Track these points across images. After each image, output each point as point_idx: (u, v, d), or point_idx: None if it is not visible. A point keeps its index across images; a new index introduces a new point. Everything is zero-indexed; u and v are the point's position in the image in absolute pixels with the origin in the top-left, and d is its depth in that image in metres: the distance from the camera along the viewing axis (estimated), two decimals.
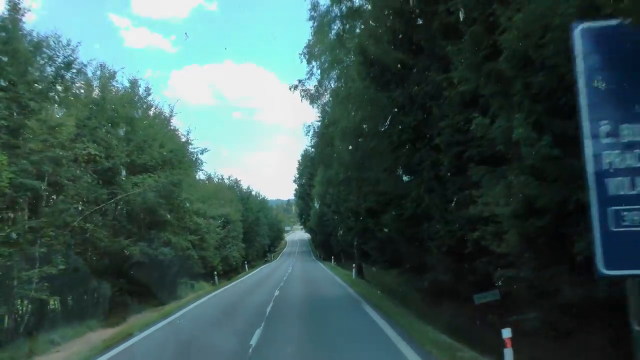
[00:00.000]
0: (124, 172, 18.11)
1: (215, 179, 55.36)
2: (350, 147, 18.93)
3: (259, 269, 49.02)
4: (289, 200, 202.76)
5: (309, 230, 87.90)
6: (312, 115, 39.87)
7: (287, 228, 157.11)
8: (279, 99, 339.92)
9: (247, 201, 58.55)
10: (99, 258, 17.49)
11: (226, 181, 57.71)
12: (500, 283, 8.74)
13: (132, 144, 19.70)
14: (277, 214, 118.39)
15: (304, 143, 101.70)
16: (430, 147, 13.14)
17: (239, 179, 59.94)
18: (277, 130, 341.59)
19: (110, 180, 17.81)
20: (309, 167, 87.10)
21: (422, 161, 13.84)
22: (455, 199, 11.28)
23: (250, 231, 57.24)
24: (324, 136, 26.62)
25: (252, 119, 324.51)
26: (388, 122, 15.27)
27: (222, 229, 41.96)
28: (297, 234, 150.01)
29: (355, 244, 31.91)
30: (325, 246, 60.32)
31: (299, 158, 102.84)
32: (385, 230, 21.37)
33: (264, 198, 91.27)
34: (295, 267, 46.92)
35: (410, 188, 14.88)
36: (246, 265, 43.21)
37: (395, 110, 14.89)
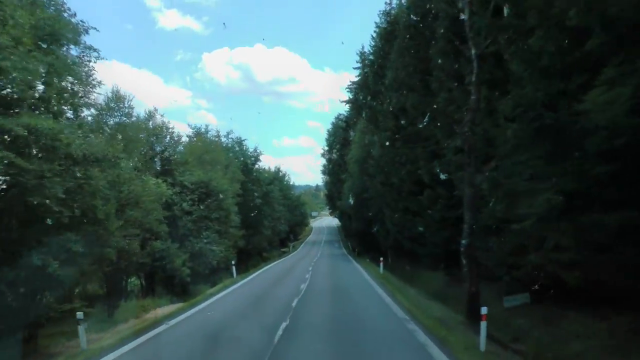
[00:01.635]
0: None
1: (209, 135, 38.21)
2: None
3: (261, 269, 31.73)
4: (317, 186, 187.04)
5: (339, 214, 69.98)
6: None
7: (313, 214, 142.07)
8: (310, 84, 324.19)
9: (251, 170, 41.06)
10: None
11: (223, 139, 40.34)
12: None
13: None
14: (301, 195, 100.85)
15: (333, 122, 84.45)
16: None
17: (243, 139, 42.48)
18: (307, 115, 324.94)
19: None
20: (341, 133, 69.16)
21: None
22: None
23: (255, 212, 39.89)
24: None
25: (282, 103, 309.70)
26: None
27: (196, 204, 24.57)
28: (324, 220, 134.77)
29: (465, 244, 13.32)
30: (364, 237, 42.39)
31: (329, 127, 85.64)
32: None
33: (286, 176, 74.45)
34: (318, 269, 29.55)
35: None
36: (234, 269, 25.58)
37: None
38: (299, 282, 20.80)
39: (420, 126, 23.13)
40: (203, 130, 37.85)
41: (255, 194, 39.67)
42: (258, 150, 41.76)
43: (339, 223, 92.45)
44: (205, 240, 24.67)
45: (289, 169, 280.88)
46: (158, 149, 25.63)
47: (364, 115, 41.65)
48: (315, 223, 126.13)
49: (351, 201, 41.64)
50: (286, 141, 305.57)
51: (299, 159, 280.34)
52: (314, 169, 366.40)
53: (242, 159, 41.11)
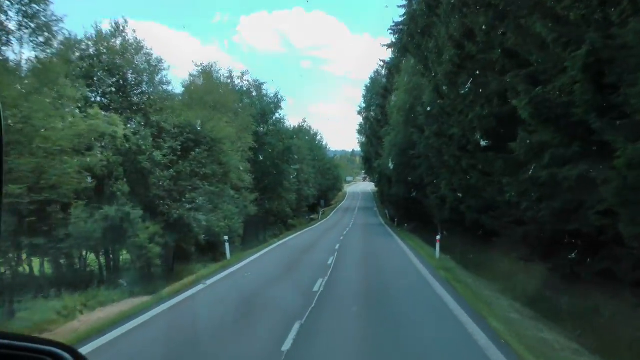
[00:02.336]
0: None
1: (220, 77, 30.85)
2: None
3: (272, 245, 24.50)
4: (353, 151, 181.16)
5: (376, 178, 62.00)
6: None
7: (348, 178, 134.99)
8: (348, 50, 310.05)
9: (268, 120, 33.40)
10: None
11: (237, 81, 32.74)
12: None
13: None
14: (335, 158, 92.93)
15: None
16: None
17: (262, 82, 34.51)
18: (344, 81, 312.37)
19: None
20: (381, 85, 60.32)
21: None
22: None
23: (273, 172, 32.56)
24: None
25: (320, 69, 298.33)
26: None
27: (179, 154, 17.35)
28: (359, 185, 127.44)
29: None
30: (406, 205, 34.53)
31: (367, 82, 77.02)
32: None
33: (318, 135, 66.93)
34: (347, 247, 22.18)
35: None
36: (227, 248, 18.03)
37: None
38: (315, 275, 13.35)
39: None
40: (211, 68, 30.26)
41: (270, 150, 32.08)
42: (279, 96, 33.94)
43: (375, 189, 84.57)
44: (188, 206, 17.47)
45: (326, 134, 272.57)
46: (127, 78, 18.23)
47: (410, 57, 33.07)
48: (349, 188, 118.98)
49: (391, 165, 33.75)
50: (322, 107, 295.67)
51: (335, 124, 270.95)
52: (350, 136, 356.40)
53: (259, 106, 33.53)
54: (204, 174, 19.17)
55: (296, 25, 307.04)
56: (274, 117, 33.53)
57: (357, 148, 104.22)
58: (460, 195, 21.12)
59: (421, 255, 18.49)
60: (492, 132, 17.09)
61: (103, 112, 15.10)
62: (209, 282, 13.17)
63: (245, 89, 33.33)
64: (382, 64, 54.79)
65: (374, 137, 54.20)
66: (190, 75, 29.70)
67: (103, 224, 14.22)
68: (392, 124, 31.66)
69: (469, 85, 19.04)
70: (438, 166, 23.37)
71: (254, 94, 33.94)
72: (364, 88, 78.20)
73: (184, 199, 17.77)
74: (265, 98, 33.95)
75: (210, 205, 18.84)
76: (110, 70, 17.52)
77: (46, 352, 1.24)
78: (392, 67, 44.73)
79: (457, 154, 20.21)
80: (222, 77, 31.55)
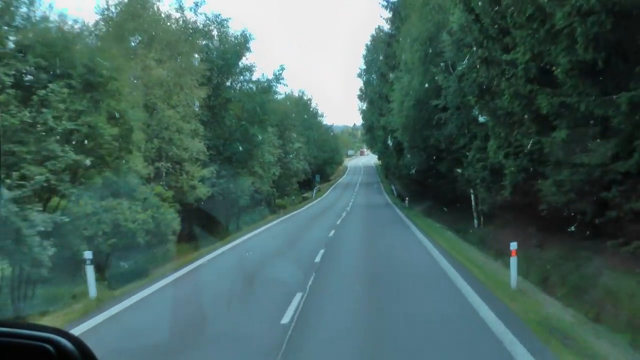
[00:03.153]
0: None
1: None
2: None
3: (222, 249, 15.82)
4: (354, 125, 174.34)
5: (380, 148, 52.93)
6: None
7: (349, 152, 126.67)
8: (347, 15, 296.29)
9: (231, 67, 24.11)
10: None
11: (191, 16, 23.63)
12: None
13: None
14: (335, 131, 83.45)
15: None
16: None
17: (226, 18, 25.01)
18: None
19: None
20: (386, 34, 50.58)
21: None
22: None
23: (239, 138, 23.69)
24: None
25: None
26: None
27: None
28: (361, 159, 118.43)
29: None
30: (422, 180, 25.64)
31: (368, 40, 67.53)
32: None
33: (311, 102, 58.13)
34: (341, 246, 13.79)
35: None
36: (90, 277, 9.03)
37: None
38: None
39: None
40: None
41: (231, 110, 23.00)
42: (247, 33, 24.32)
43: (378, 162, 75.72)
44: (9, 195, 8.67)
45: (326, 110, 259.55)
46: None
47: None
48: (350, 162, 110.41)
49: (400, 128, 24.82)
50: (321, 79, 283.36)
51: (335, 98, 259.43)
52: (351, 110, 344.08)
53: (221, 47, 24.32)
54: (68, 132, 10.31)
55: None
56: (239, 65, 24.17)
57: (359, 123, 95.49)
58: (531, 164, 12.30)
59: (479, 280, 9.57)
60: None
61: None
62: None
63: (200, 26, 24.05)
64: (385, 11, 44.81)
65: (378, 97, 44.74)
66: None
67: None
68: (404, 66, 22.46)
69: None
70: (484, 114, 14.42)
71: (214, 32, 24.69)
72: (365, 47, 68.70)
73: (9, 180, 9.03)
74: (230, 39, 24.67)
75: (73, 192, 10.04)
76: None
77: (44, 339, 1.21)
78: (399, 4, 35.14)
79: (527, 89, 11.38)
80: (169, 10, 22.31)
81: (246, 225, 27.75)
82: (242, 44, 23.78)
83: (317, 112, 63.74)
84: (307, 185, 55.66)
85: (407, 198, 33.00)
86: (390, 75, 25.69)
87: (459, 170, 19.86)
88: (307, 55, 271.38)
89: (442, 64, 18.24)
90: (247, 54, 24.38)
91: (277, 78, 25.26)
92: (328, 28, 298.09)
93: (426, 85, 19.13)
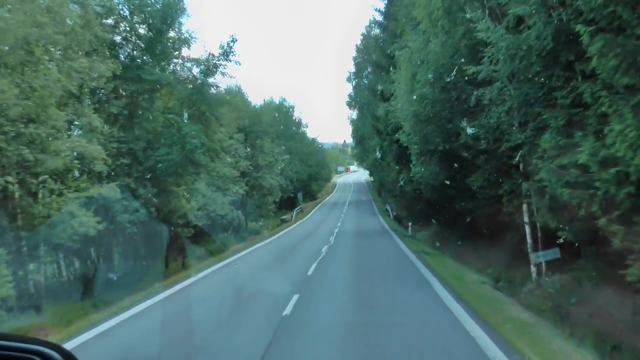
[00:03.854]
0: None
1: None
2: None
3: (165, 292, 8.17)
4: (344, 142, 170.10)
5: (371, 162, 45.38)
6: None
7: (339, 168, 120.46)
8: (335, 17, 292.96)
9: (157, 44, 16.46)
10: None
11: None
12: None
13: None
14: (318, 139, 75.95)
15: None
16: None
17: None
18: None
19: None
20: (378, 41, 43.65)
21: None
22: None
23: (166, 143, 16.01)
24: None
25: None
26: None
27: None
28: (351, 176, 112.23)
29: None
30: (434, 201, 18.09)
31: (358, 41, 60.96)
32: None
33: (294, 109, 51.08)
34: (310, 323, 6.00)
35: None
36: None
37: None
38: None
39: None
40: None
41: (158, 101, 15.35)
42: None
43: (370, 178, 68.32)
44: None
45: (316, 128, 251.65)
46: None
47: None
48: (339, 179, 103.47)
49: (409, 115, 17.41)
50: (311, 97, 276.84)
51: (325, 117, 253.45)
52: (340, 128, 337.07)
53: (150, 21, 16.78)
54: None
55: None
56: (168, 35, 16.22)
57: (349, 140, 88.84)
58: None
59: None
60: None
61: None
62: None
63: None
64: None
65: (372, 94, 36.82)
66: None
67: None
68: (410, 30, 14.84)
69: None
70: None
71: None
72: (354, 48, 61.88)
73: None
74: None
75: None
76: None
77: (34, 352, 1.21)
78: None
79: None
80: None
81: (199, 261, 19.98)
82: (172, 4, 16.06)
83: (300, 122, 56.34)
84: (289, 204, 47.85)
85: (410, 224, 25.33)
86: (395, 54, 17.94)
87: (504, 186, 12.37)
88: (295, 71, 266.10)
89: (481, 10, 10.85)
90: (183, 19, 16.76)
91: (226, 53, 17.28)
92: (316, 45, 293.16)
93: (455, 47, 11.66)
